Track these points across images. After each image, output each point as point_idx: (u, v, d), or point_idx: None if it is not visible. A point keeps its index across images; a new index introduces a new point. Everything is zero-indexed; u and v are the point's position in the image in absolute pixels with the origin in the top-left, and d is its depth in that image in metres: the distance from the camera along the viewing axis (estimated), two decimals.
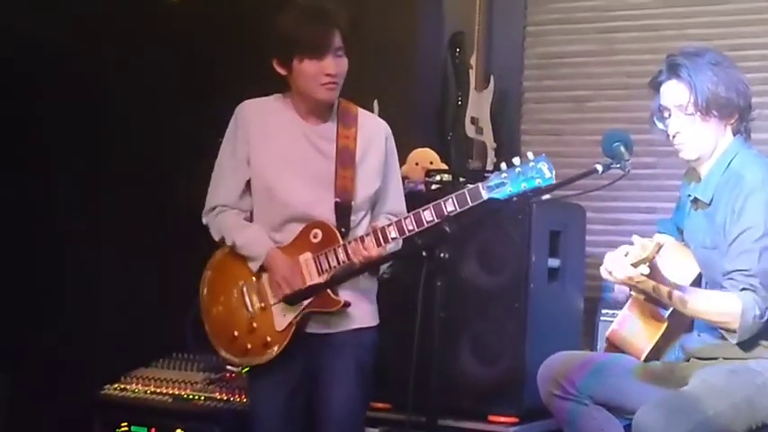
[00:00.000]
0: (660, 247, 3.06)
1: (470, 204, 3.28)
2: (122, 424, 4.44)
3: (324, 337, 3.52)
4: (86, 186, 5.15)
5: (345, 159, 3.51)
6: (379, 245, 3.40)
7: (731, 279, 3.25)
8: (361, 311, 3.55)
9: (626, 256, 3.09)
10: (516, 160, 3.23)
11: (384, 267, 3.63)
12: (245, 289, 3.55)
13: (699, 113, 3.33)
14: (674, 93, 3.36)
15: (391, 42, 5.27)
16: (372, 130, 3.61)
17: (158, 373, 4.61)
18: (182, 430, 4.34)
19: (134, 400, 4.50)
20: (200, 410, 4.37)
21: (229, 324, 3.56)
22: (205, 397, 4.43)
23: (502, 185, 3.24)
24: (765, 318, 3.23)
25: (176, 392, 4.48)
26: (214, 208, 3.59)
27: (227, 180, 3.58)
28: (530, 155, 3.24)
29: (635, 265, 3.06)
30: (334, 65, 3.45)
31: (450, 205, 3.31)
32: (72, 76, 5.05)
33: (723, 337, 3.30)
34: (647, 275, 3.10)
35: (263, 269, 3.52)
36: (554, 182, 3.24)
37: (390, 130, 3.66)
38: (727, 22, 5.04)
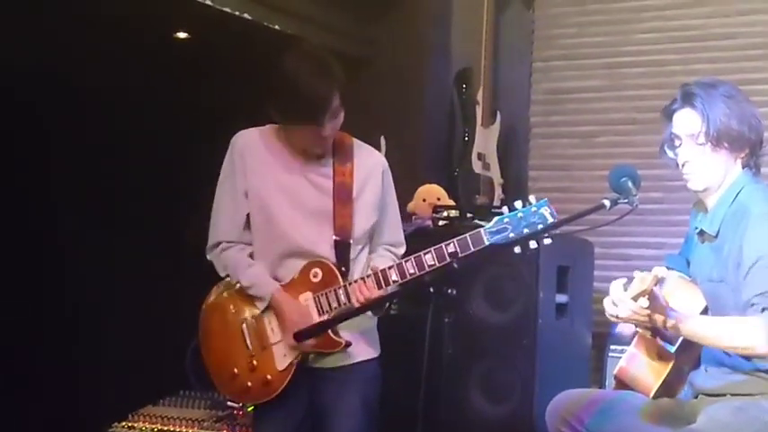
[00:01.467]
0: (658, 279, 3.04)
1: (472, 249, 3.29)
2: None
3: (326, 372, 3.51)
4: (96, 222, 5.15)
5: (343, 196, 3.48)
6: (379, 287, 3.39)
7: (752, 305, 3.19)
8: (362, 345, 3.53)
9: (626, 291, 3.08)
10: (518, 204, 3.23)
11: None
12: (244, 327, 3.52)
13: (710, 144, 3.31)
14: (686, 121, 3.35)
15: (398, 79, 5.30)
16: (369, 164, 3.58)
17: (166, 411, 4.60)
18: None
19: None
20: None
21: (229, 362, 3.53)
22: None
23: (503, 231, 3.25)
24: None
25: (184, 430, 4.48)
26: (218, 244, 3.54)
27: (229, 215, 3.53)
28: (532, 199, 3.24)
29: (635, 299, 3.05)
30: (331, 127, 3.41)
31: (451, 249, 3.31)
32: (85, 109, 5.08)
33: (731, 373, 3.27)
34: (647, 307, 3.08)
35: (266, 309, 3.50)
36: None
37: (387, 163, 3.64)
38: (733, 58, 5.06)
